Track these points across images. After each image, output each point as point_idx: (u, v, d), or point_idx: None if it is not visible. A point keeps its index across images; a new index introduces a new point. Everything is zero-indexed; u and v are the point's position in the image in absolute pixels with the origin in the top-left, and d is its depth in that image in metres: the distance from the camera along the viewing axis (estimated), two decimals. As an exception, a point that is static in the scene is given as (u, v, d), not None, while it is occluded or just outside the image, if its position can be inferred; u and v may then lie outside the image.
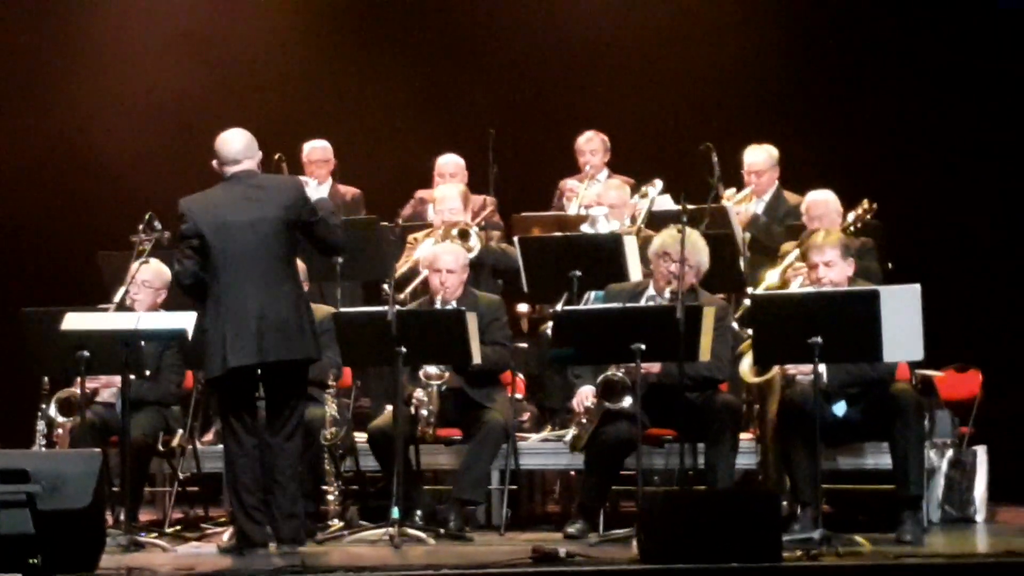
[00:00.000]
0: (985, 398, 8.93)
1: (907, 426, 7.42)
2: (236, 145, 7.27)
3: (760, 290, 8.12)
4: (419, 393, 7.97)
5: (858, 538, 7.10)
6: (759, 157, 9.27)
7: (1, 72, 11.27)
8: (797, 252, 8.18)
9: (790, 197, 9.20)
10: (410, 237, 9.21)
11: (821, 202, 8.46)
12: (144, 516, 8.35)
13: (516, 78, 11.24)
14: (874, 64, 10.78)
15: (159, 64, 11.22)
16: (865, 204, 8.52)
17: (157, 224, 8.01)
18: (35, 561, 6.24)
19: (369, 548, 7.43)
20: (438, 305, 8.15)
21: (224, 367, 7.06)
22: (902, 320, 6.95)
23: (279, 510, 7.16)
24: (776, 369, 7.62)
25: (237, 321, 7.05)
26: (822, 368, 7.26)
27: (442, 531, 7.73)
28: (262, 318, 7.06)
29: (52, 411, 8.08)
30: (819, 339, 6.96)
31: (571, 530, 7.69)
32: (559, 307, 8.37)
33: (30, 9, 11.34)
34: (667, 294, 7.78)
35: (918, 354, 7.15)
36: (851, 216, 8.48)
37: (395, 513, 7.46)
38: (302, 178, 7.57)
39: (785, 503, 7.50)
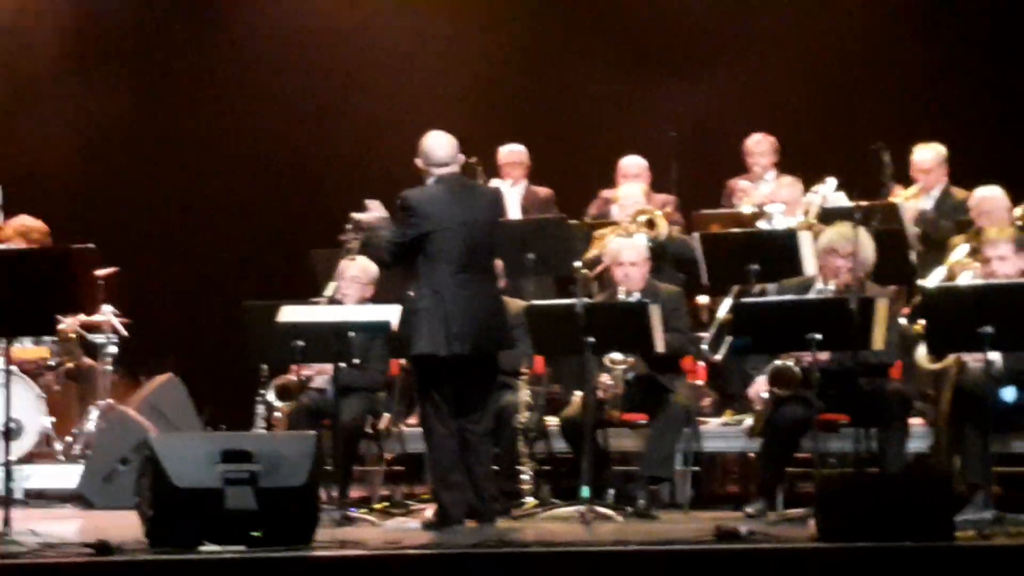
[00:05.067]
0: None
1: (1080, 409, 7.44)
2: (449, 149, 7.58)
3: (928, 283, 8.20)
4: (604, 378, 8.20)
5: (1030, 518, 7.13)
6: (927, 156, 9.37)
7: (232, 75, 11.69)
8: (966, 247, 8.29)
9: (958, 193, 9.26)
10: (596, 233, 9.45)
11: (990, 198, 8.58)
12: (354, 493, 8.55)
13: (695, 83, 11.30)
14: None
15: (364, 73, 11.60)
16: (1034, 198, 8.67)
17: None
18: (258, 534, 6.60)
19: (561, 524, 7.65)
20: (621, 296, 8.40)
21: (449, 350, 7.40)
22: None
23: (487, 492, 7.55)
24: (952, 356, 7.71)
25: (457, 314, 7.41)
26: (996, 356, 7.42)
27: (629, 509, 7.97)
28: (479, 313, 7.46)
29: (271, 396, 8.38)
30: (989, 329, 7.11)
31: (751, 509, 7.88)
32: (729, 300, 8.61)
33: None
34: (831, 286, 7.97)
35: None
36: (1019, 211, 8.54)
37: (585, 492, 7.76)
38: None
39: (958, 486, 7.54)
